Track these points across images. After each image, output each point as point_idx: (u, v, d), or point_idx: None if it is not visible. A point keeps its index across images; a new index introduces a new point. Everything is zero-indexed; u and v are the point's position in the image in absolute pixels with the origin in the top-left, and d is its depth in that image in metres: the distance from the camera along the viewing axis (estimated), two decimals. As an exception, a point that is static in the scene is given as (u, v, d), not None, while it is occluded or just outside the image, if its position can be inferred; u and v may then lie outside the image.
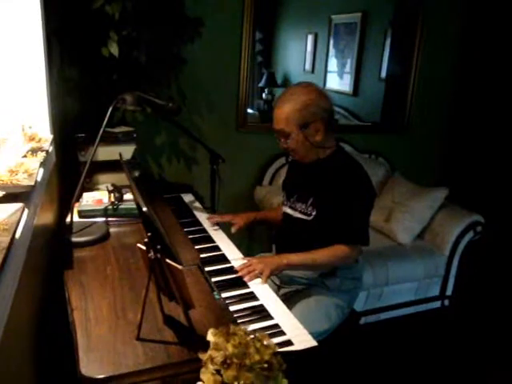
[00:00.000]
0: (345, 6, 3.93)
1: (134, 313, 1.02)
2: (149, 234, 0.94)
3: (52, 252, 1.41)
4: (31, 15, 1.34)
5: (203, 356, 0.75)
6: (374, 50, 3.68)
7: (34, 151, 1.08)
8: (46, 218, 1.46)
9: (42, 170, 1.14)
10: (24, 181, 0.90)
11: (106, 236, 1.48)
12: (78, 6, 1.82)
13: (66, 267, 1.28)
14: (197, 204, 2.23)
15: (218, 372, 0.73)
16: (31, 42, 1.38)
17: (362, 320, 2.65)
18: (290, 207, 1.84)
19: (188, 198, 2.31)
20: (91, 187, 1.96)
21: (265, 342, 0.75)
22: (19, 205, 0.77)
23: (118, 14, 1.86)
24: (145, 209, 1.22)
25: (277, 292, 1.87)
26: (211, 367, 0.73)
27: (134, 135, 2.09)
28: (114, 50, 1.92)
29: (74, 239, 1.43)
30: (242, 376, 0.71)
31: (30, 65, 1.39)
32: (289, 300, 1.77)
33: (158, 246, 0.93)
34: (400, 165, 3.37)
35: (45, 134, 1.37)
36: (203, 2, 2.64)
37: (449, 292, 2.89)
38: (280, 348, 1.17)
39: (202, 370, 0.74)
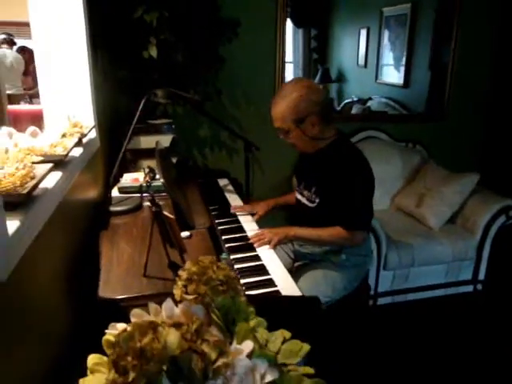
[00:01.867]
0: (395, -4, 4.00)
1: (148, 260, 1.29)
2: (148, 190, 1.21)
3: (96, 218, 1.72)
4: (76, 29, 1.67)
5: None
6: (424, 41, 3.72)
7: (72, 134, 1.39)
8: (92, 192, 1.80)
9: (80, 149, 1.46)
10: (59, 152, 1.20)
11: (138, 207, 1.78)
12: (120, 16, 2.14)
13: (103, 229, 1.59)
14: (229, 187, 2.51)
15: (184, 287, 0.97)
16: (78, 49, 1.71)
17: (389, 299, 2.78)
18: (300, 193, 2.00)
19: (223, 182, 2.59)
20: (136, 170, 2.28)
21: (221, 266, 0.99)
22: (49, 165, 1.07)
23: (156, 21, 2.16)
24: (162, 180, 1.50)
25: (292, 265, 2.09)
26: (179, 283, 0.98)
27: (173, 126, 2.39)
28: (154, 52, 2.23)
29: (112, 208, 1.74)
30: (199, 288, 0.95)
31: (78, 67, 1.73)
32: (300, 271, 1.98)
33: (159, 202, 1.19)
34: (438, 153, 3.43)
35: (88, 123, 1.69)
36: (239, 3, 2.89)
37: (481, 276, 2.92)
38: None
39: (174, 286, 0.99)
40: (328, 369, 2.15)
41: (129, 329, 0.81)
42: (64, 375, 0.91)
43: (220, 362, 0.84)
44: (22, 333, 0.87)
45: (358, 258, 1.98)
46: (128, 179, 1.96)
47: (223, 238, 1.82)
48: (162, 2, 2.18)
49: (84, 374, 0.90)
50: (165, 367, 0.81)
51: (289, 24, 4.38)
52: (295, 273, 1.96)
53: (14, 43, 5.01)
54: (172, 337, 0.80)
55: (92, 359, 0.90)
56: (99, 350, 0.87)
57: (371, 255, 2.09)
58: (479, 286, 2.95)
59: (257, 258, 1.67)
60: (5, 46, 4.83)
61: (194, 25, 2.39)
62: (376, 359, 2.35)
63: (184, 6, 2.30)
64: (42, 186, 1.03)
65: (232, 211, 2.13)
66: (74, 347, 1.17)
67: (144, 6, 2.13)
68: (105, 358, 0.86)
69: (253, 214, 2.12)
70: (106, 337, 0.84)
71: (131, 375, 0.76)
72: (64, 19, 1.66)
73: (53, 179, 1.10)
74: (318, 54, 4.78)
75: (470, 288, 2.95)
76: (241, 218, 2.03)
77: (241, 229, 1.93)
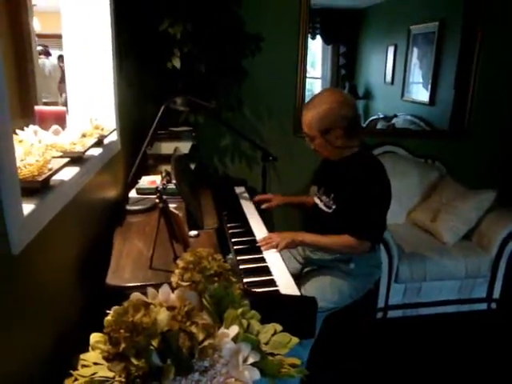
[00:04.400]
0: (423, 15, 4.03)
1: (155, 254, 1.38)
2: (158, 188, 1.30)
3: (113, 215, 1.83)
4: (103, 40, 1.81)
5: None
6: (451, 59, 3.75)
7: (92, 134, 1.51)
8: (111, 191, 1.91)
9: (100, 150, 1.57)
10: (78, 149, 1.31)
11: (152, 207, 1.88)
12: (146, 28, 2.28)
13: (118, 225, 1.69)
14: (245, 194, 2.60)
15: (181, 275, 1.05)
16: (105, 59, 1.85)
17: (400, 313, 2.79)
18: (319, 198, 2.06)
19: (239, 189, 2.68)
20: (157, 174, 2.40)
21: (217, 258, 1.06)
22: (65, 159, 1.18)
23: (180, 34, 2.29)
24: (174, 181, 1.60)
25: (301, 270, 2.15)
26: (176, 271, 1.06)
27: (193, 134, 2.51)
28: (177, 63, 2.35)
29: (128, 207, 1.85)
30: (194, 276, 1.03)
31: (104, 75, 1.87)
32: (308, 276, 2.03)
33: (169, 197, 1.29)
34: (457, 170, 3.42)
35: (110, 127, 1.81)
36: (262, 18, 3.01)
37: (496, 295, 2.89)
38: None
39: (172, 274, 1.07)
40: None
41: (124, 305, 0.89)
42: (69, 352, 0.99)
43: (206, 343, 0.92)
44: (29, 304, 0.96)
45: (367, 268, 2.01)
46: (145, 181, 2.06)
47: (232, 240, 1.90)
48: (187, 16, 2.30)
49: (88, 351, 0.99)
50: (155, 343, 0.89)
51: (318, 41, 4.50)
52: (303, 278, 2.02)
53: (50, 54, 5.34)
54: (162, 315, 0.89)
55: (94, 337, 0.99)
56: (103, 332, 0.96)
57: (380, 266, 2.12)
58: (493, 305, 2.92)
59: (262, 260, 1.74)
60: (42, 56, 5.13)
61: (218, 39, 2.50)
62: (381, 372, 2.37)
63: (208, 20, 2.42)
64: (59, 178, 1.13)
65: (255, 200, 2.34)
66: (81, 328, 1.26)
67: (169, 20, 2.26)
68: (105, 337, 0.94)
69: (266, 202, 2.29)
70: (108, 317, 0.93)
71: (122, 346, 0.84)
72: (93, 30, 1.80)
73: (70, 173, 1.21)
74: (346, 71, 4.85)
75: (483, 306, 2.92)
76: (251, 223, 2.11)
77: (250, 232, 2.00)
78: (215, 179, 3.01)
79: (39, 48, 5.03)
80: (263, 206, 2.22)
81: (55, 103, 5.00)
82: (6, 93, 0.78)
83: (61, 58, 5.31)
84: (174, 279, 1.06)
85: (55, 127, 1.33)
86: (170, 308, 0.96)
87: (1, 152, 0.76)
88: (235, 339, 0.95)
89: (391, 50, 4.53)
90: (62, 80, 5.34)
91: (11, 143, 0.81)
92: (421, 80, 4.16)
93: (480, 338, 2.68)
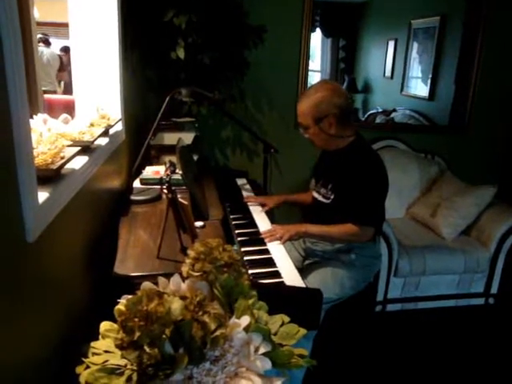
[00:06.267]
0: (424, 10, 4.02)
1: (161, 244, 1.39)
2: (167, 180, 1.30)
3: (118, 205, 1.83)
4: (110, 29, 1.80)
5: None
6: (452, 54, 3.75)
7: (99, 124, 1.51)
8: (115, 181, 1.91)
9: (106, 139, 1.57)
10: (87, 139, 1.31)
11: (157, 198, 1.88)
12: (151, 18, 2.27)
13: (123, 215, 1.70)
14: (247, 186, 2.60)
15: (192, 265, 1.06)
16: (111, 48, 1.84)
17: (398, 306, 2.81)
18: (317, 192, 2.09)
19: (241, 181, 2.69)
20: (159, 164, 2.39)
21: (227, 249, 1.07)
22: (76, 148, 1.18)
23: (185, 25, 2.28)
24: (181, 172, 1.60)
25: (302, 262, 2.16)
26: (187, 261, 1.06)
27: (196, 125, 2.50)
28: (181, 54, 2.34)
29: (133, 197, 1.85)
30: (205, 266, 1.03)
31: (110, 64, 1.86)
32: (310, 268, 2.04)
33: (173, 188, 1.29)
34: (457, 166, 3.44)
35: (115, 116, 1.81)
36: (265, 10, 2.99)
37: (494, 290, 2.92)
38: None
39: (183, 264, 1.08)
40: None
41: (138, 294, 0.90)
42: (77, 340, 1.00)
43: (218, 333, 0.93)
44: (43, 290, 0.97)
45: (366, 259, 2.03)
46: (149, 172, 2.06)
47: (236, 231, 1.91)
48: (192, 7, 2.29)
49: (96, 340, 0.99)
50: (168, 332, 0.89)
51: (318, 34, 4.48)
52: (305, 270, 2.03)
53: (50, 43, 5.30)
54: (175, 304, 0.89)
55: (104, 326, 1.00)
56: (111, 320, 0.97)
57: (380, 258, 2.14)
58: (491, 300, 2.94)
59: (266, 251, 1.75)
60: (41, 44, 5.10)
61: (221, 29, 2.49)
62: (379, 364, 2.39)
63: (212, 11, 2.41)
64: (69, 166, 1.13)
65: (245, 201, 2.30)
66: (89, 316, 1.27)
67: (174, 10, 2.25)
68: (115, 325, 0.95)
69: (263, 206, 2.27)
70: (118, 306, 0.93)
71: (137, 334, 0.85)
72: (99, 20, 1.79)
73: (80, 162, 1.21)
74: (345, 64, 4.83)
75: (481, 301, 2.95)
76: (254, 215, 2.12)
77: (254, 224, 2.01)
78: (216, 170, 3.01)
79: (39, 36, 4.99)
80: (262, 210, 2.22)
81: (54, 92, 4.97)
82: (24, 82, 0.78)
83: (66, 50, 5.27)
84: (184, 269, 1.07)
85: (64, 116, 1.32)
86: (182, 297, 0.97)
87: (19, 140, 0.76)
88: (246, 329, 0.96)
89: (391, 44, 4.51)
90: (61, 68, 5.32)
91: (29, 131, 0.81)
92: (420, 75, 4.16)
93: (477, 333, 2.71)
